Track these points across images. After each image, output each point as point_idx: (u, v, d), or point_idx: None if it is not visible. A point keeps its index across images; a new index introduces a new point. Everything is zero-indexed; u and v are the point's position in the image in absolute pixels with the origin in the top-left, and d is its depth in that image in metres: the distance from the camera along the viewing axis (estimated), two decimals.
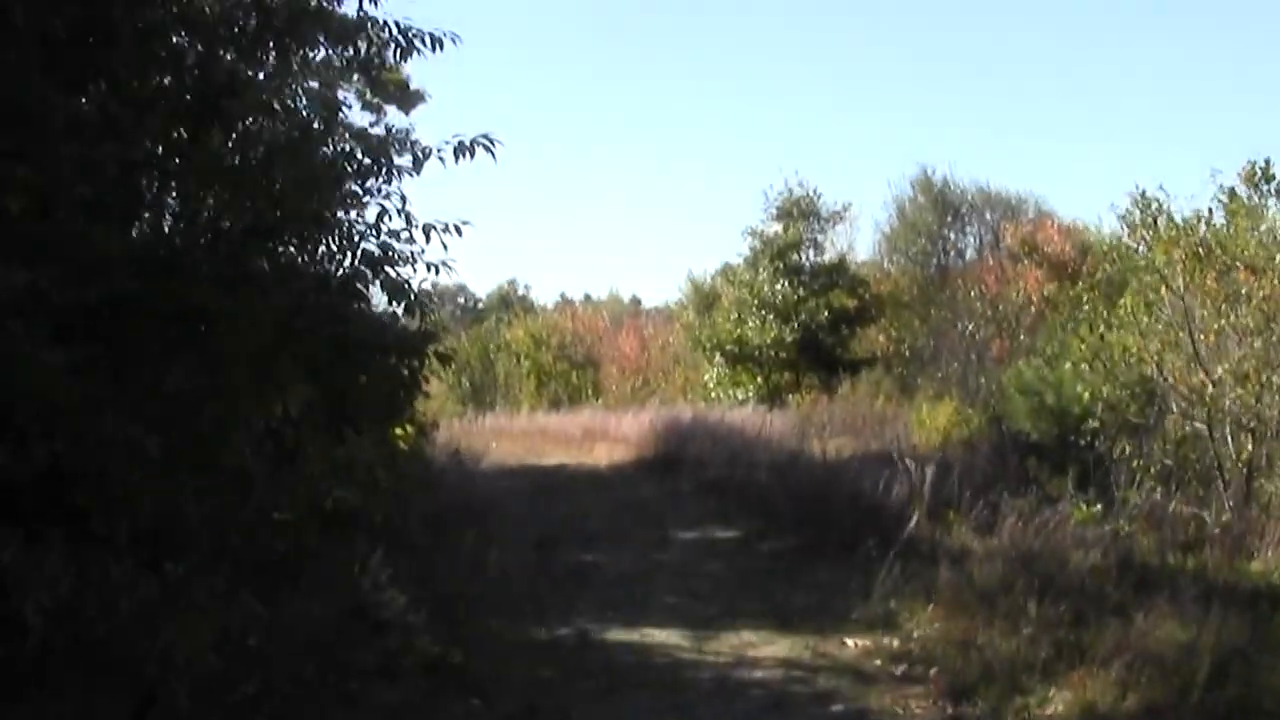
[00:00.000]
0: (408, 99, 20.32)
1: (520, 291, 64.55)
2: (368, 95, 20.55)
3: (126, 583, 4.49)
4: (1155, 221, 11.14)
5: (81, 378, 4.69)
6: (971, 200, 35.62)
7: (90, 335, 5.58)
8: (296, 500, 7.64)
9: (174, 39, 6.68)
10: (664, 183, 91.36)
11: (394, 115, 20.13)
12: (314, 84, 20.18)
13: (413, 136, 20.35)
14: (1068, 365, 10.65)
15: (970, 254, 36.10)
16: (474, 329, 48.57)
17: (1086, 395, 10.38)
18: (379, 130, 20.22)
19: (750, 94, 79.34)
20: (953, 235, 36.17)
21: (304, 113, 8.83)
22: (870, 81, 74.44)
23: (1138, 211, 14.24)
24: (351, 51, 7.60)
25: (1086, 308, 11.31)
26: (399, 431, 8.83)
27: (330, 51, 7.78)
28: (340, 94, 20.31)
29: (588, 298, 56.62)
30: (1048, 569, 8.21)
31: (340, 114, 17.29)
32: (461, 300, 72.11)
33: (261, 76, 7.11)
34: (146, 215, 6.15)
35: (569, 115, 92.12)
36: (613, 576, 9.78)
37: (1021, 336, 20.97)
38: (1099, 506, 9.94)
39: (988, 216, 36.47)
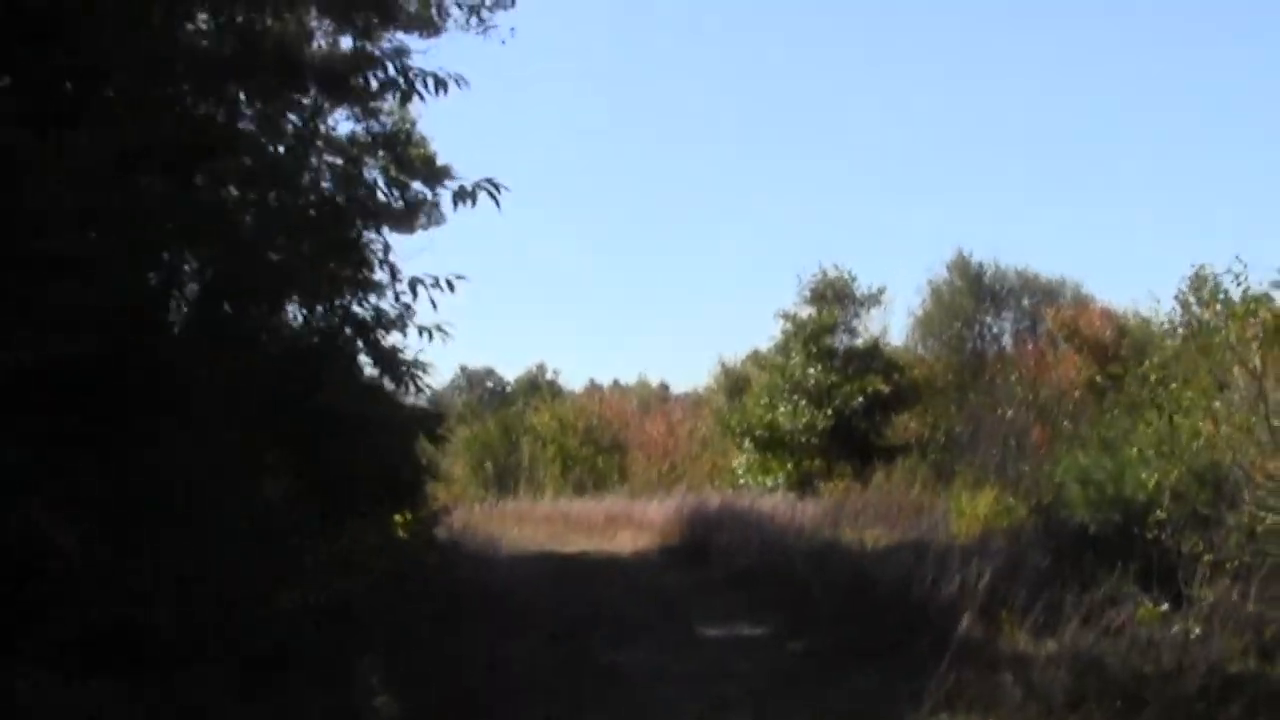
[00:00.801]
0: (434, 174, 19.96)
1: (548, 376, 63.89)
2: (392, 171, 20.24)
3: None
4: (1221, 295, 10.44)
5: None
6: (1010, 284, 34.95)
7: (52, 402, 4.96)
8: (285, 593, 6.92)
9: (165, 85, 6.17)
10: (695, 270, 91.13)
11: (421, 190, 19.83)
12: (338, 160, 19.66)
13: (439, 211, 19.71)
14: (1133, 451, 9.83)
15: (1006, 339, 35.47)
16: (499, 412, 47.98)
17: (1152, 483, 9.54)
18: (400, 205, 19.81)
19: (782, 177, 79.40)
20: (989, 320, 35.53)
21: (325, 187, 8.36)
22: (900, 165, 74.30)
23: (1192, 293, 13.51)
24: (375, 125, 7.19)
25: (1147, 391, 10.51)
26: (399, 519, 8.14)
27: (355, 126, 7.40)
28: (365, 171, 20.05)
29: (616, 383, 55.97)
30: (1118, 677, 7.34)
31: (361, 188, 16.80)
32: (490, 385, 71.78)
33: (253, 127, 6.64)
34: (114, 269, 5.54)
35: (598, 199, 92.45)
36: (635, 677, 8.95)
37: (1065, 422, 20.10)
38: (1165, 606, 9.07)
39: (1024, 301, 35.86)
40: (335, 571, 8.03)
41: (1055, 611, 9.16)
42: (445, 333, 18.20)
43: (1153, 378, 10.65)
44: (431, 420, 12.00)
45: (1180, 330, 15.19)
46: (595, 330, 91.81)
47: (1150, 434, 9.73)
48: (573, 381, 58.05)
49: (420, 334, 7.81)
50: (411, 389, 13.96)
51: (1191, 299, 14.93)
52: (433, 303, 9.19)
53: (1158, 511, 9.62)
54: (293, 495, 6.61)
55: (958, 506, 17.55)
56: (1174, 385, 11.24)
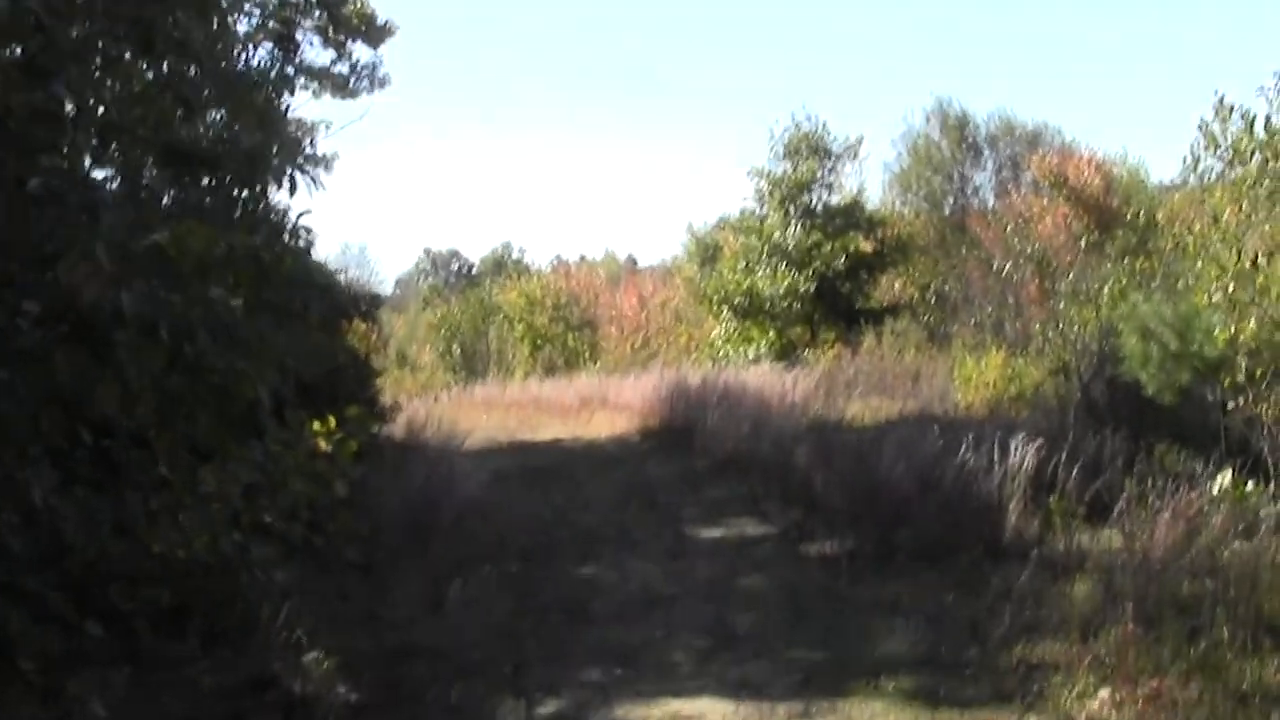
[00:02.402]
0: (375, 33, 17.95)
1: (515, 255, 62.13)
2: (330, 32, 18.21)
3: None
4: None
5: None
6: (992, 132, 33.06)
7: None
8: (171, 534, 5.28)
9: None
10: (660, 138, 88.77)
11: (361, 52, 17.88)
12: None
13: (380, 72, 17.69)
14: (1202, 297, 8.20)
15: (987, 191, 33.72)
16: (466, 293, 46.21)
17: (1224, 337, 7.95)
18: (342, 68, 17.72)
19: (749, 32, 76.58)
20: (969, 171, 33.74)
21: None
22: (867, 14, 71.69)
23: (1218, 123, 11.78)
24: None
25: (1222, 226, 8.84)
26: (318, 427, 6.45)
27: None
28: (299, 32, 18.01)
29: (583, 259, 54.16)
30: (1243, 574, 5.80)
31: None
32: (456, 266, 69.94)
33: None
34: None
35: (560, 72, 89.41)
36: (617, 604, 7.36)
37: (1070, 275, 18.48)
38: (1249, 485, 7.56)
39: (1006, 150, 34.01)
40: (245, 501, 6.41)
41: (1117, 496, 7.68)
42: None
43: (1223, 212, 8.95)
44: (361, 302, 10.31)
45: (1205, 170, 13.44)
46: (560, 207, 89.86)
47: (1228, 280, 8.08)
48: (539, 260, 56.14)
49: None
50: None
51: (1217, 130, 13.08)
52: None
53: (1235, 371, 8.04)
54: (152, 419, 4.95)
55: (962, 372, 16.02)
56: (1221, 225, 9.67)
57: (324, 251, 71.33)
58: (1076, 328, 15.14)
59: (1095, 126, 70.30)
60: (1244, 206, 10.25)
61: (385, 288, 72.02)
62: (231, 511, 5.61)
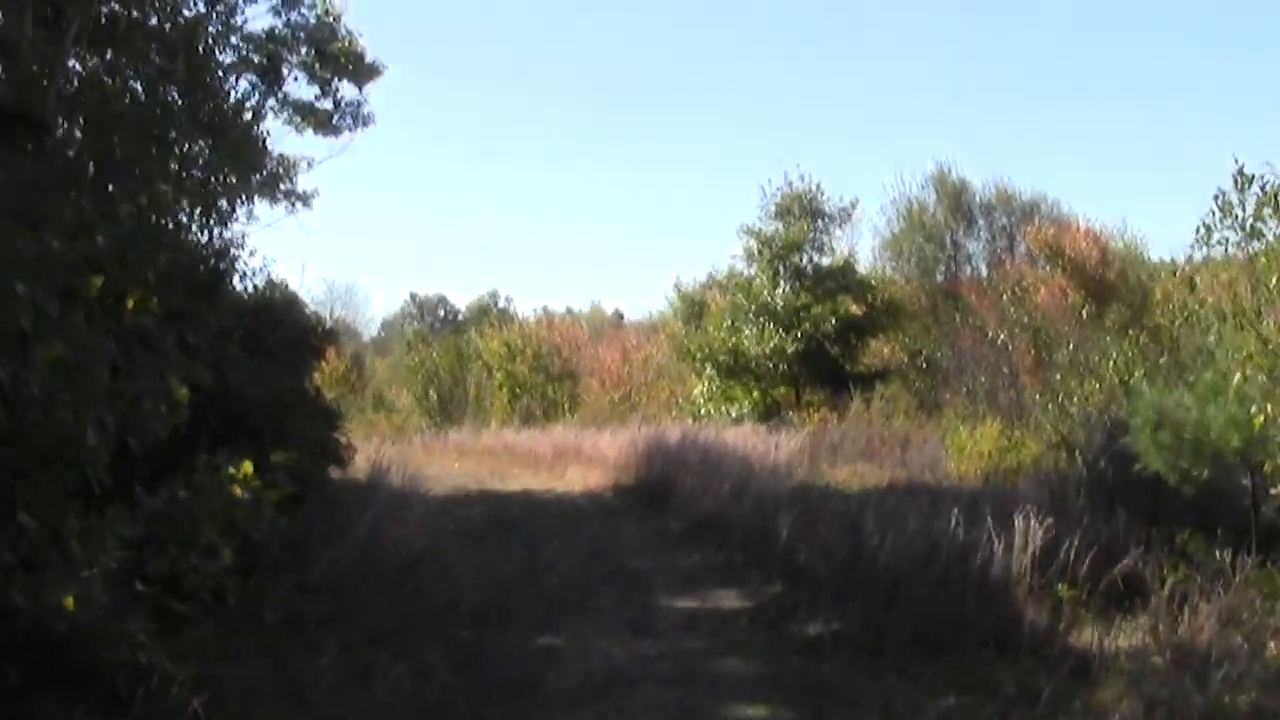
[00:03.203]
0: (362, 71, 17.40)
1: (501, 304, 61.51)
2: (317, 68, 17.64)
3: None
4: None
5: None
6: (988, 201, 32.59)
7: None
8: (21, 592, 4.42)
9: None
10: (652, 195, 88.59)
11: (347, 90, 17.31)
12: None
13: (365, 110, 17.12)
14: (1235, 380, 7.48)
15: (979, 259, 33.19)
16: (446, 338, 45.43)
17: (1258, 423, 7.20)
18: (326, 104, 17.16)
19: (746, 94, 76.62)
20: (962, 239, 33.24)
21: None
22: (863, 81, 71.78)
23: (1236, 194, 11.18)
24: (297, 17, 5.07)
25: (1250, 307, 8.17)
26: (233, 472, 5.63)
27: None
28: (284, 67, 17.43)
29: (569, 311, 53.48)
30: None
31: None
32: (442, 312, 69.30)
33: None
34: None
35: (555, 126, 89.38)
36: (573, 683, 6.49)
37: (1069, 347, 17.81)
38: None
39: (1001, 219, 33.55)
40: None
41: (1138, 587, 6.92)
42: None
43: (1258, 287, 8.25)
44: (313, 336, 9.51)
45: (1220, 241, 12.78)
46: (550, 259, 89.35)
47: (1257, 360, 7.36)
48: (526, 310, 55.43)
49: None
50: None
51: (1235, 201, 12.44)
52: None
53: (1274, 455, 7.29)
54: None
55: (955, 442, 15.26)
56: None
57: (309, 290, 70.80)
58: (1077, 400, 14.45)
59: (1092, 198, 70.12)
60: (1263, 281, 9.63)
61: (371, 329, 71.49)
62: (111, 567, 4.76)
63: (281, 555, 7.53)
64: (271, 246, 19.09)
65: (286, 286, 16.86)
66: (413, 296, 71.68)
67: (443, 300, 71.25)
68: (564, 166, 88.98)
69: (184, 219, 12.65)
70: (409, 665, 6.51)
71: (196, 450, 6.98)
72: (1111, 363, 15.03)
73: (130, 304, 5.45)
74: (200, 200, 13.93)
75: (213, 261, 9.29)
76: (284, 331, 9.66)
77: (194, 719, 5.07)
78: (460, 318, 64.51)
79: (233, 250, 13.16)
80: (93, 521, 4.68)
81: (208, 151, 15.20)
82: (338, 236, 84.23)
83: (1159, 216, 60.66)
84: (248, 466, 5.66)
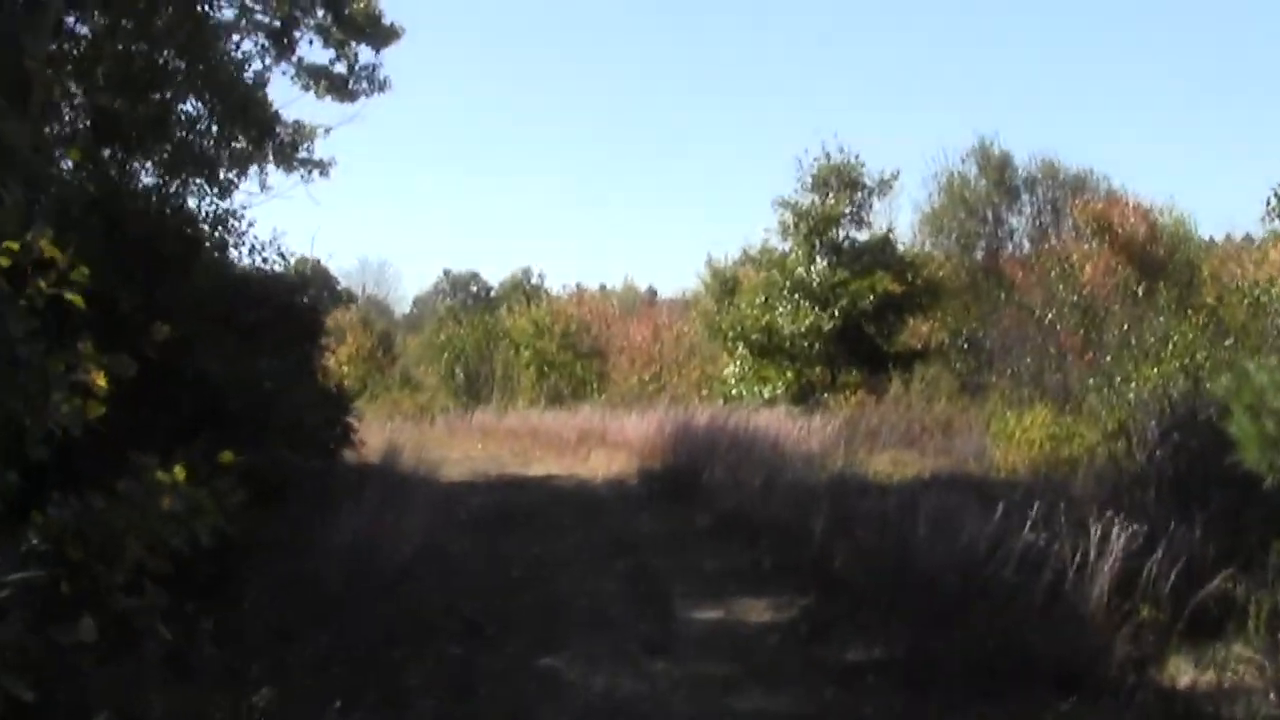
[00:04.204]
0: (380, 34, 16.60)
1: (533, 280, 60.73)
2: (332, 30, 16.87)
3: None
4: None
5: None
6: (1034, 175, 31.35)
7: None
8: None
9: None
10: (691, 175, 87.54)
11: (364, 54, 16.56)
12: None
13: (381, 73, 16.25)
14: None
15: (1021, 235, 31.99)
16: (474, 315, 44.65)
17: None
18: (340, 68, 16.32)
19: (784, 68, 75.31)
20: (1004, 214, 32.04)
21: None
22: (898, 55, 70.30)
23: None
24: None
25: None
26: (166, 475, 4.73)
27: None
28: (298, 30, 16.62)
29: (603, 288, 52.51)
30: None
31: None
32: (474, 289, 68.68)
33: None
34: None
35: (593, 102, 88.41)
36: (573, 718, 5.61)
37: (1124, 327, 16.74)
38: None
39: (1046, 193, 32.28)
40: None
41: (1228, 608, 5.94)
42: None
43: None
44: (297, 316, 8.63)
45: None
46: (584, 237, 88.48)
47: None
48: (558, 287, 54.45)
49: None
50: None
51: None
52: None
53: None
54: None
55: (1002, 429, 14.25)
56: None
57: (341, 265, 70.31)
58: (1134, 385, 13.41)
59: (1139, 174, 68.43)
60: None
61: (403, 306, 70.94)
62: None
63: (248, 561, 6.68)
64: (300, 221, 18.34)
65: (296, 261, 16.08)
66: (445, 273, 71.11)
67: (475, 277, 70.73)
68: (600, 142, 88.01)
69: (168, 183, 11.89)
70: (383, 692, 5.61)
71: (154, 446, 6.15)
72: (1171, 345, 14.02)
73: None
74: (192, 164, 13.13)
75: (188, 230, 8.38)
76: (266, 311, 8.79)
77: None
78: (493, 294, 63.86)
79: (232, 221, 12.36)
80: None
81: (206, 114, 14.44)
82: (371, 212, 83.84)
83: (1204, 196, 59.02)
84: (180, 471, 4.76)
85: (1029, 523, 6.62)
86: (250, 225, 11.23)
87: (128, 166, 12.12)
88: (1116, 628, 5.91)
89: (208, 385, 7.48)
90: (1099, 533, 6.33)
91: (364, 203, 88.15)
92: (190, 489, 4.76)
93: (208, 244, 11.29)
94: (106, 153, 10.80)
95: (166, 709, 4.52)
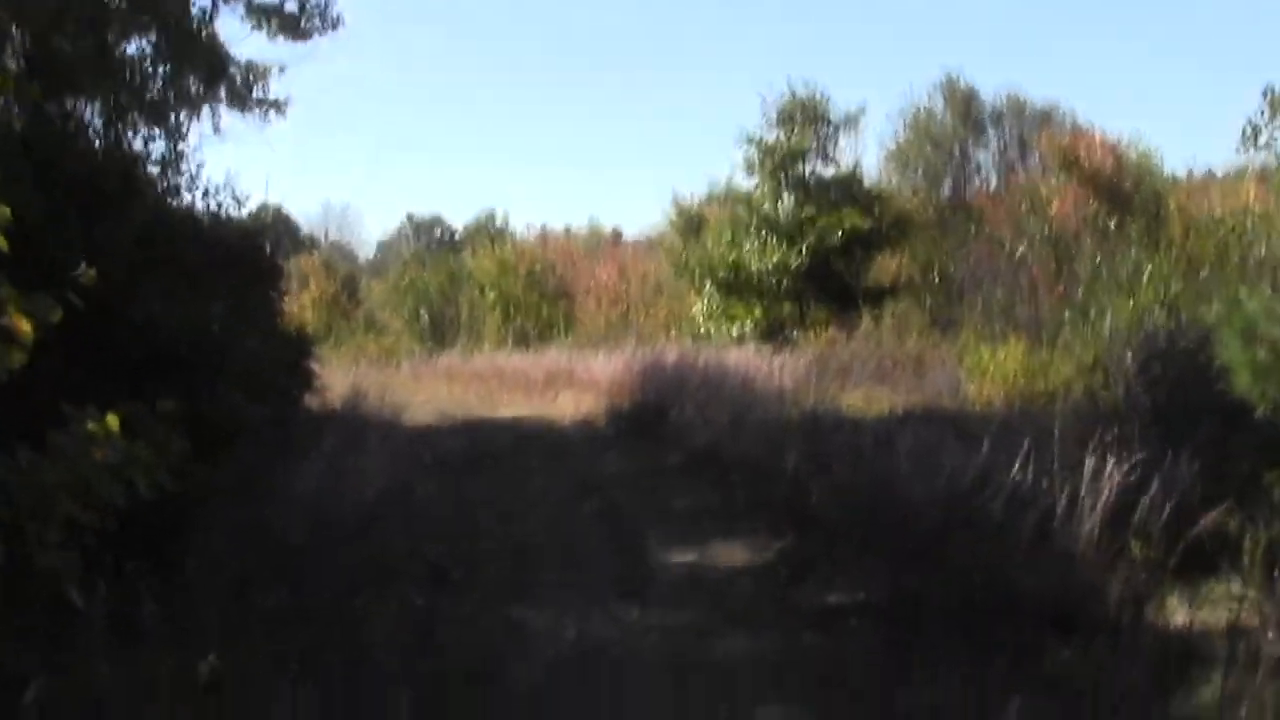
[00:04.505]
0: None
1: (498, 223, 59.97)
2: None
3: None
4: None
5: None
6: (1000, 109, 31.04)
7: None
8: None
9: None
10: (653, 113, 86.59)
11: None
12: None
13: (333, 11, 15.69)
14: None
15: (988, 170, 31.73)
16: (439, 258, 44.13)
17: None
18: (292, 6, 15.72)
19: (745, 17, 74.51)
20: (971, 149, 31.74)
21: None
22: None
23: None
24: None
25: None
26: (96, 426, 4.41)
27: None
28: None
29: (568, 230, 51.89)
30: None
31: None
32: (438, 232, 67.87)
33: None
34: None
35: (555, 40, 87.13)
36: (541, 668, 5.31)
37: (1097, 260, 16.54)
38: None
39: (1013, 128, 31.99)
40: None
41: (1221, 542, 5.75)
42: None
43: None
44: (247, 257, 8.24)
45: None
46: (548, 177, 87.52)
47: None
48: (524, 228, 53.74)
49: None
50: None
51: None
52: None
53: None
54: None
55: (975, 363, 14.05)
56: None
57: (303, 211, 69.27)
58: (1109, 317, 13.23)
59: (1104, 109, 68.16)
60: None
61: (368, 250, 69.99)
62: None
63: (201, 513, 6.36)
64: (260, 166, 17.89)
65: (258, 208, 15.61)
66: (409, 217, 70.13)
67: (439, 220, 69.72)
68: (563, 82, 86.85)
69: (113, 121, 11.39)
70: (343, 651, 5.33)
71: (97, 395, 5.81)
72: (1145, 277, 13.83)
73: None
74: (138, 105, 12.61)
75: (132, 170, 7.94)
76: (219, 252, 8.39)
77: None
78: (457, 238, 63.09)
79: (183, 164, 11.94)
80: None
81: (151, 52, 13.89)
82: (333, 157, 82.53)
83: (1167, 132, 58.92)
84: (113, 420, 4.42)
85: (1018, 458, 6.35)
86: (199, 167, 10.83)
87: (72, 107, 11.63)
88: (1109, 566, 5.70)
89: (155, 330, 7.09)
90: (1091, 467, 6.08)
91: (325, 147, 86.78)
92: (126, 440, 4.43)
93: (160, 189, 10.88)
94: (41, 91, 10.29)
95: (110, 674, 4.21)
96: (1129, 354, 10.59)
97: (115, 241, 7.15)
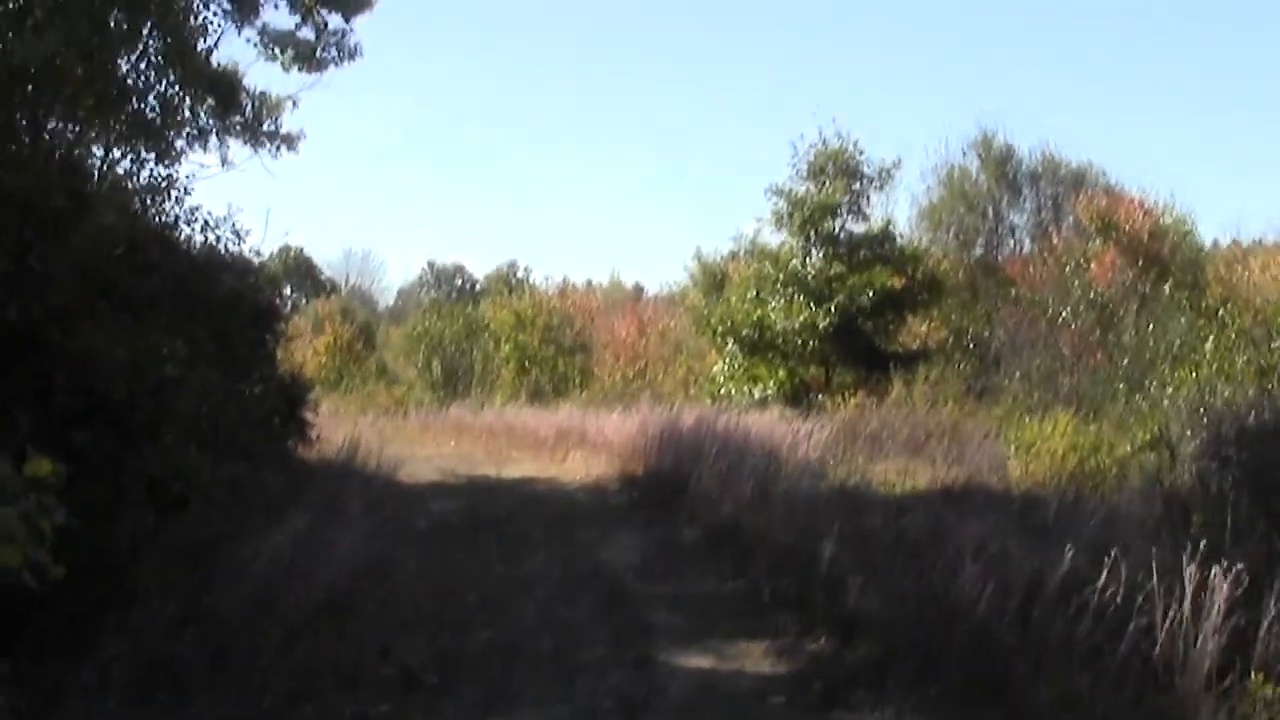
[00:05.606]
0: (350, 1, 15.50)
1: (519, 274, 59.48)
2: None
3: None
4: None
5: None
6: (1035, 169, 30.08)
7: None
8: None
9: None
10: (679, 168, 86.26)
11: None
12: None
13: (351, 40, 14.88)
14: None
15: (1022, 232, 30.75)
16: (454, 307, 43.29)
17: None
18: (306, 33, 14.91)
19: (777, 55, 74.10)
20: (1005, 210, 30.76)
21: None
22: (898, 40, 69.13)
23: None
24: None
25: None
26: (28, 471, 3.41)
27: None
28: None
29: (589, 283, 51.12)
30: None
31: None
32: (459, 281, 67.37)
33: None
34: None
35: (582, 92, 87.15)
36: None
37: (1149, 326, 15.42)
38: None
39: (1048, 189, 31.02)
40: None
41: None
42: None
43: None
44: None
45: None
46: (571, 231, 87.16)
47: None
48: (544, 281, 53.06)
49: None
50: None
51: None
52: None
53: None
54: None
55: (1019, 436, 12.91)
56: None
57: (324, 254, 68.93)
58: (1170, 390, 12.11)
59: (1138, 170, 67.05)
60: None
61: (388, 297, 69.46)
62: None
63: (121, 597, 5.31)
64: (280, 210, 17.16)
65: (279, 250, 14.78)
66: (430, 265, 69.74)
67: (460, 269, 69.32)
68: (588, 135, 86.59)
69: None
70: None
71: (13, 439, 4.81)
72: (1208, 348, 12.73)
73: None
74: (131, 127, 11.77)
75: (79, 190, 6.96)
76: (161, 282, 7.38)
77: None
78: (477, 288, 62.60)
79: (174, 191, 11.14)
80: None
81: (152, 75, 13.05)
82: (356, 202, 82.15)
83: (1200, 200, 57.93)
84: (46, 466, 3.41)
85: (1103, 562, 5.24)
86: (188, 193, 10.06)
87: (48, 124, 10.79)
88: (1219, 699, 4.58)
89: (91, 368, 6.09)
90: (1195, 577, 4.97)
91: (348, 192, 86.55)
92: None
93: (151, 214, 10.09)
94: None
95: None
96: (1197, 431, 9.53)
97: (53, 266, 6.18)
